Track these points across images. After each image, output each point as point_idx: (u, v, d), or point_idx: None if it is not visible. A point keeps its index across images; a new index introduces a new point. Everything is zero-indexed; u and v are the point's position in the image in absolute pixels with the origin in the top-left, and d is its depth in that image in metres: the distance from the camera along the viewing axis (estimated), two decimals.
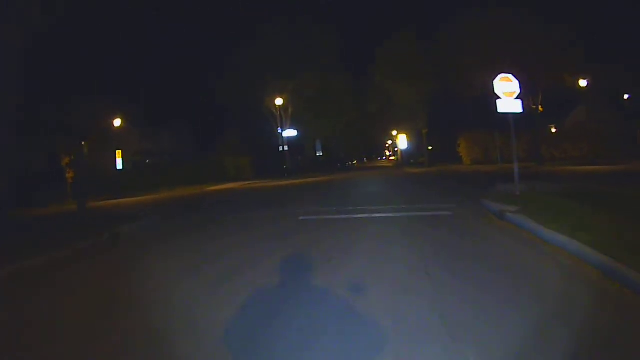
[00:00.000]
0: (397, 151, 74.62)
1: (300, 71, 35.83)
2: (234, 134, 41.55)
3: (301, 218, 9.70)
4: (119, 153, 32.44)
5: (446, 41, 30.24)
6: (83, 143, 24.78)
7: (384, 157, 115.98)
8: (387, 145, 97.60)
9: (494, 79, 10.04)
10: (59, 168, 25.62)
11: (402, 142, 53.75)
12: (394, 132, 59.99)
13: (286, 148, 35.51)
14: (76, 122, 24.17)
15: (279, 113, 36.07)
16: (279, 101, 34.82)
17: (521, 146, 31.17)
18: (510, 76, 10.16)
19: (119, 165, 32.36)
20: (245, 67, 35.04)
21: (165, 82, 42.41)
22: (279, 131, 34.50)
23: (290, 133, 36.37)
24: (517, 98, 10.10)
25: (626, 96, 35.91)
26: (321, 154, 47.18)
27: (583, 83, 27.48)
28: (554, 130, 37.12)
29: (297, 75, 35.83)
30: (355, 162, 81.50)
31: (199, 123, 44.26)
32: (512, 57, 24.85)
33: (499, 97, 9.94)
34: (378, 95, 41.40)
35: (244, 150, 39.24)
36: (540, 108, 29.17)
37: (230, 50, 36.54)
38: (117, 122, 29.77)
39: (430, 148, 41.79)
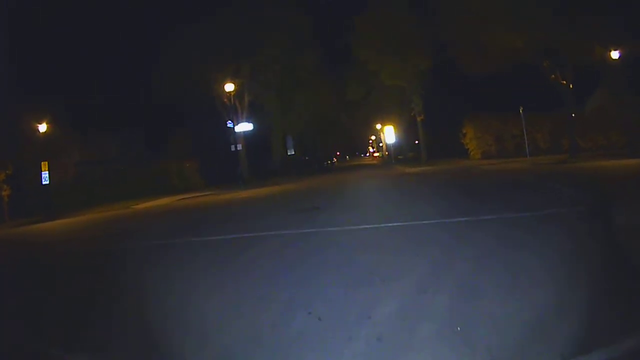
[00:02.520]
0: (382, 146, 66.72)
1: (260, 48, 27.42)
2: (184, 135, 32.90)
3: None
4: (44, 165, 24.72)
5: None
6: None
7: (367, 154, 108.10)
8: (370, 141, 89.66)
9: None
10: None
11: (389, 134, 45.52)
12: (378, 126, 51.99)
13: (239, 147, 26.81)
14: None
15: (231, 103, 27.33)
16: (229, 87, 26.11)
17: (542, 134, 24.05)
18: None
19: (45, 180, 24.82)
20: (189, 48, 26.46)
21: (106, 78, 33.36)
22: (229, 125, 25.82)
23: (244, 127, 27.69)
24: None
25: None
26: (293, 153, 38.73)
27: (615, 55, 20.10)
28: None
29: (255, 54, 27.42)
30: (335, 160, 72.92)
31: (149, 124, 35.00)
32: (536, 18, 18.96)
33: None
34: (360, 77, 33.33)
35: (191, 153, 30.70)
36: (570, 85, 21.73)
37: (172, 30, 27.82)
38: (43, 128, 23.15)
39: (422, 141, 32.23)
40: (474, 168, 20.24)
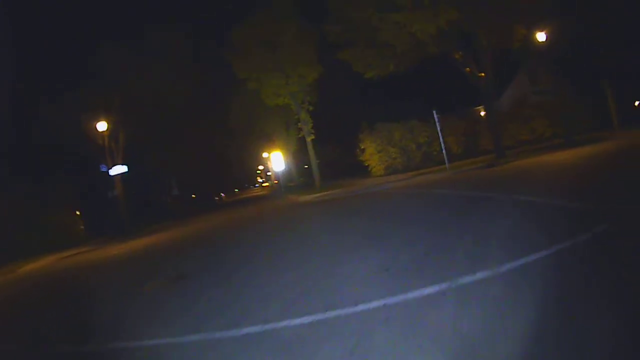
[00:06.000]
0: (270, 176, 65.20)
1: (131, 79, 24.21)
2: (63, 183, 27.61)
3: None
4: None
5: None
6: None
7: (257, 185, 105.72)
8: (258, 171, 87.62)
9: None
10: None
11: (277, 161, 43.76)
12: (265, 154, 50.28)
13: (115, 193, 23.14)
14: None
15: (106, 144, 23.55)
16: (102, 126, 22.49)
17: (455, 137, 23.48)
18: None
19: None
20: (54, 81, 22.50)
21: None
22: (102, 169, 22.21)
23: (119, 170, 24.08)
24: None
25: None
26: (177, 193, 35.27)
27: (541, 37, 18.77)
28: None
29: (126, 86, 24.12)
30: (223, 195, 69.45)
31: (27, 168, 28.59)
32: None
33: None
34: (242, 101, 31.17)
35: (72, 201, 25.86)
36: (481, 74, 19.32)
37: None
38: None
39: (318, 162, 28.35)
40: (382, 187, 17.54)
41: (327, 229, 9.79)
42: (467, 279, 3.86)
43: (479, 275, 3.90)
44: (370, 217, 10.18)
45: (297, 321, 3.74)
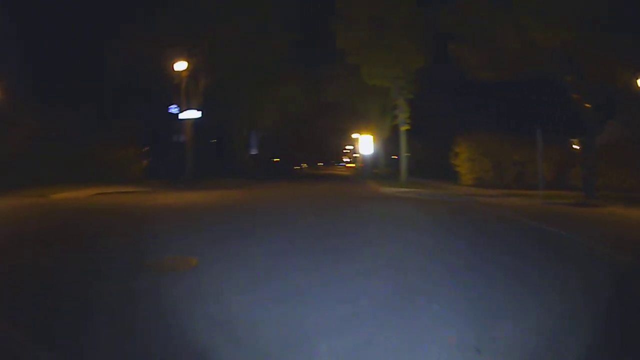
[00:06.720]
0: (356, 157, 62.70)
1: (221, 23, 22.51)
2: (130, 119, 27.48)
3: None
4: None
5: None
6: None
7: (341, 164, 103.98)
8: (346, 151, 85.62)
9: None
10: None
11: (366, 144, 41.16)
12: (355, 135, 47.86)
13: (182, 138, 21.88)
14: None
15: (183, 86, 22.35)
16: (180, 66, 21.24)
17: (548, 164, 20.33)
18: None
19: None
20: (145, 19, 21.49)
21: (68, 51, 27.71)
22: (171, 111, 20.98)
23: (190, 115, 22.58)
24: None
25: None
26: (257, 153, 33.94)
27: None
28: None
29: (215, 29, 22.43)
30: (305, 166, 68.34)
31: (106, 102, 29.12)
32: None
33: None
34: (340, 75, 29.22)
35: (136, 140, 25.49)
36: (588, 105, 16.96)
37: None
38: None
39: (407, 154, 26.15)
40: (471, 199, 15.72)
41: (420, 245, 6.98)
42: None
43: None
44: (470, 242, 7.33)
45: None
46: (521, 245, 7.26)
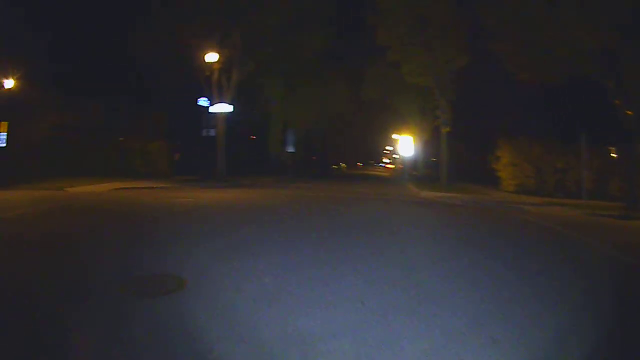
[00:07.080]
0: (396, 159, 61.43)
1: (252, 14, 21.55)
2: (160, 112, 27.39)
3: None
4: (3, 125, 20.95)
5: None
6: None
7: (381, 164, 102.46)
8: (385, 151, 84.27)
9: None
10: None
11: (406, 145, 40.18)
12: (395, 135, 46.86)
13: (212, 133, 21.33)
14: None
15: (215, 79, 21.77)
16: (211, 57, 20.73)
17: (590, 172, 19.03)
18: None
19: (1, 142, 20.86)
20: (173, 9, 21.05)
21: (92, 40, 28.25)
22: (200, 104, 20.49)
23: (221, 109, 21.74)
24: None
25: None
26: (293, 151, 33.49)
27: None
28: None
29: (247, 21, 21.51)
30: (343, 165, 67.50)
31: (133, 94, 29.36)
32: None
33: None
34: (379, 72, 28.41)
35: (165, 134, 25.48)
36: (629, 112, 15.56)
37: None
38: (9, 83, 19.31)
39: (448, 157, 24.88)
40: (516, 208, 14.59)
41: (460, 254, 6.25)
42: None
43: None
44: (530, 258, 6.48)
45: None
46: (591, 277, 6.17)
